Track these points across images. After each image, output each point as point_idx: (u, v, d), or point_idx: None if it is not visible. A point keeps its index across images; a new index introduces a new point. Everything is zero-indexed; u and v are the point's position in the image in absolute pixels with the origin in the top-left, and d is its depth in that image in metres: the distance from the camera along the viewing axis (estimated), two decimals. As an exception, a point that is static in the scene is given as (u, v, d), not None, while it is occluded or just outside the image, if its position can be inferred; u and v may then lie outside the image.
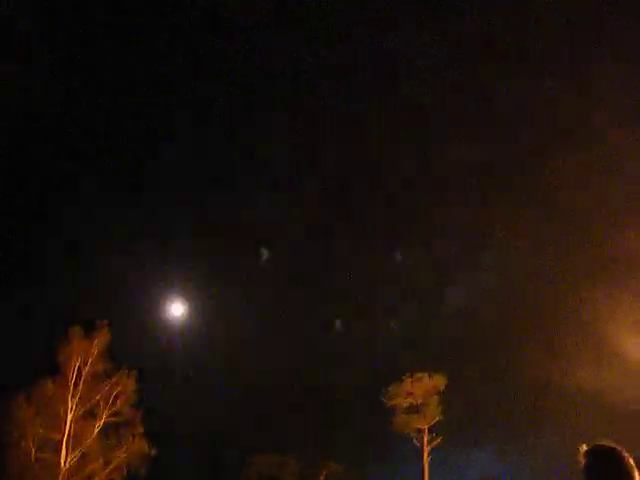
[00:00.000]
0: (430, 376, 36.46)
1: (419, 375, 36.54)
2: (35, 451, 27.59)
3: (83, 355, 29.15)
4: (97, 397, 29.12)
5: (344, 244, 45.08)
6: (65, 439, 27.99)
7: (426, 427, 36.18)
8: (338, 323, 43.05)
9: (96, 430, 28.88)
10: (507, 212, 41.95)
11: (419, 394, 36.40)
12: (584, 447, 3.44)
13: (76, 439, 28.29)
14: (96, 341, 29.50)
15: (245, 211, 43.87)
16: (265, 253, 42.63)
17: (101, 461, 28.81)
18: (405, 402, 36.56)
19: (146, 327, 34.93)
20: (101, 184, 40.78)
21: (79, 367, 29.04)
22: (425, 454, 35.95)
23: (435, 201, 44.16)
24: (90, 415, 29.09)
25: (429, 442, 36.06)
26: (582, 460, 3.43)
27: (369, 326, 43.81)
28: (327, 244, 44.60)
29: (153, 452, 29.61)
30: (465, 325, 41.00)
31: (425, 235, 44.80)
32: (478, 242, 43.16)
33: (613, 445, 3.39)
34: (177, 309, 37.01)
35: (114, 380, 29.55)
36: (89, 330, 29.64)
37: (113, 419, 29.50)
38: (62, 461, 27.72)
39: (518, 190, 42.38)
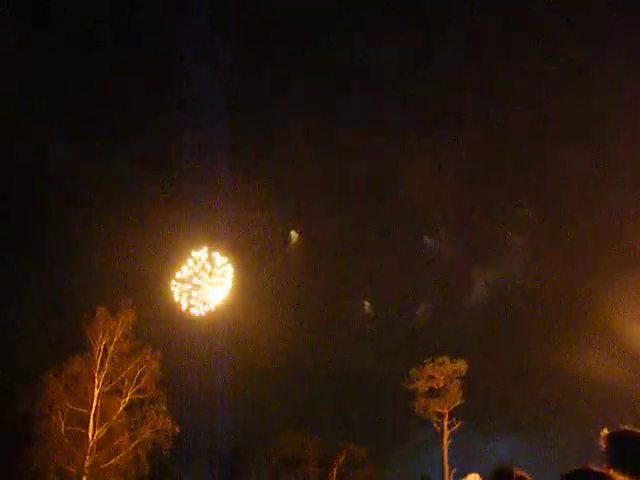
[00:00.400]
0: (452, 360, 36.42)
1: (441, 359, 36.52)
2: (64, 424, 28.38)
3: (109, 334, 29.70)
4: (122, 375, 29.70)
5: (376, 228, 45.30)
6: (92, 413, 28.70)
7: (447, 411, 36.19)
8: (367, 305, 43.18)
9: (122, 406, 29.49)
10: (523, 213, 42.17)
11: (440, 378, 36.42)
12: (605, 431, 3.47)
13: (103, 414, 29.00)
14: (121, 320, 30.01)
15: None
16: (295, 237, 42.86)
17: (127, 436, 29.52)
18: (426, 386, 36.59)
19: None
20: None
21: (105, 345, 29.63)
22: (445, 438, 36.01)
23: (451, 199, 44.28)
24: (116, 392, 29.74)
25: (449, 426, 36.10)
26: (603, 444, 3.46)
27: (394, 309, 44.01)
28: (359, 228, 44.90)
29: (177, 429, 30.23)
30: (487, 316, 41.11)
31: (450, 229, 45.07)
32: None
33: (634, 429, 3.42)
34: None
35: (139, 359, 30.08)
36: (115, 310, 30.23)
37: (138, 396, 30.09)
38: (90, 434, 28.48)
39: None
